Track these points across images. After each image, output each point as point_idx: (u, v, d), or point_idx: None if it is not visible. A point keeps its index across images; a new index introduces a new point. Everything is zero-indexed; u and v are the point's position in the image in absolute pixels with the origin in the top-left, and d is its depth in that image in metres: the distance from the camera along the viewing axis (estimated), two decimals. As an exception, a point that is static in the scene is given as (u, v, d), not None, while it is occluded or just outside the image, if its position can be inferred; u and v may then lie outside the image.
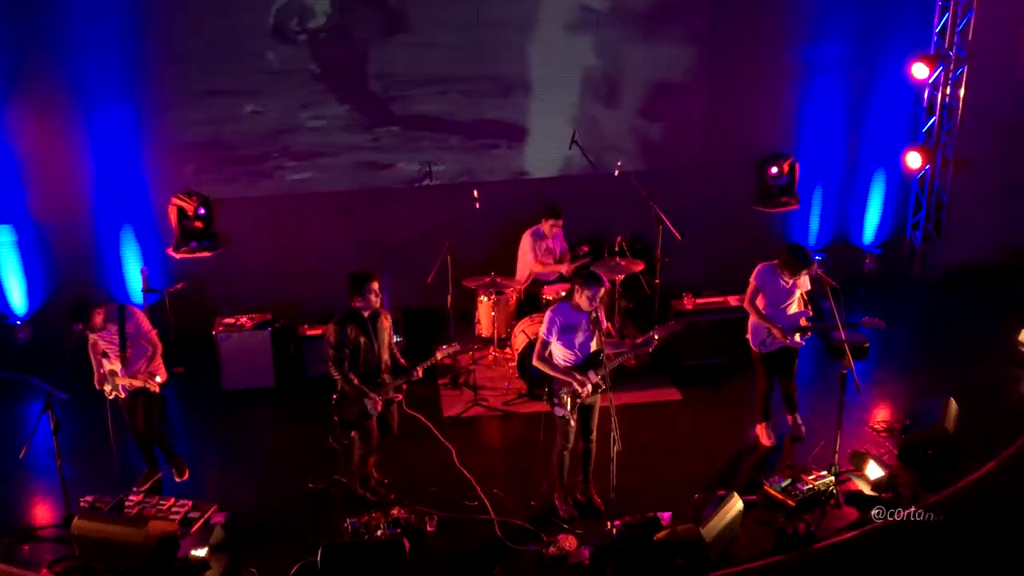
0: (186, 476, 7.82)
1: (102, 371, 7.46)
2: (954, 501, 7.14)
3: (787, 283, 7.67)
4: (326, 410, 7.20)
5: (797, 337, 7.73)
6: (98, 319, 7.21)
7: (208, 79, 9.80)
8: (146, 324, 7.47)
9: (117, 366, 7.37)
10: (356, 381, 7.03)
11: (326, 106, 10.13)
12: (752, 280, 7.83)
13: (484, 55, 10.19)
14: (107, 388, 7.48)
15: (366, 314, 7.07)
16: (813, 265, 7.63)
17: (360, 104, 10.20)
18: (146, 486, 7.67)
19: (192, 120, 9.91)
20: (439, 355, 7.41)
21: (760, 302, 7.77)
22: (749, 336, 7.94)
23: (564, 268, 9.79)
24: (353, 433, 7.27)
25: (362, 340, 7.04)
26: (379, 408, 7.13)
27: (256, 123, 10.06)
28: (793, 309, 7.76)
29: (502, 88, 10.37)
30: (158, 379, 7.40)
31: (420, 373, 7.30)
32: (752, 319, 7.85)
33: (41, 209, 9.82)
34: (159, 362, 7.50)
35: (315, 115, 10.14)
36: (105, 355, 7.44)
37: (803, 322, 7.73)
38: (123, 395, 7.44)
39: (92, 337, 7.40)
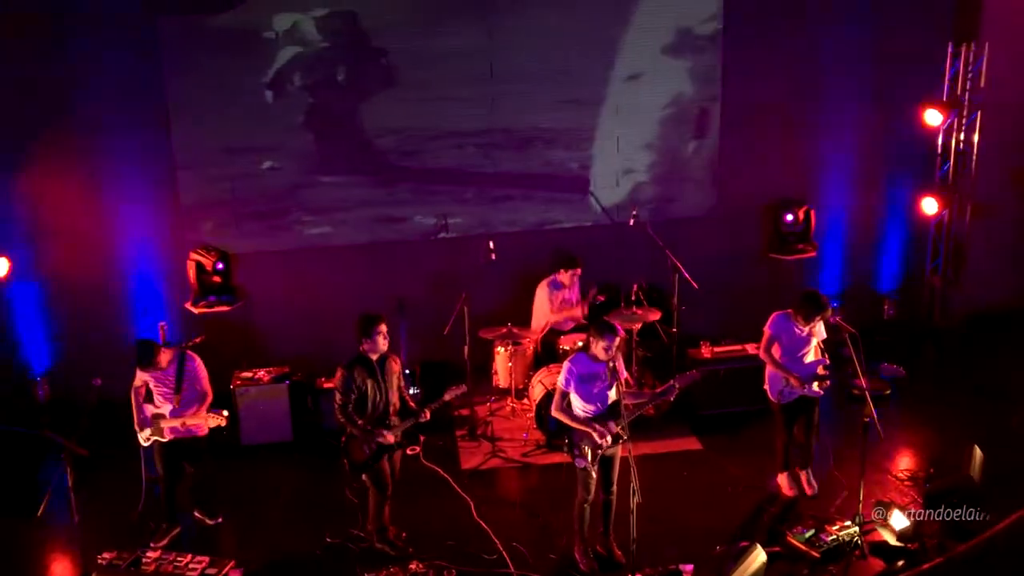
0: (219, 520, 7.88)
1: (143, 415, 7.52)
2: (981, 550, 7.01)
3: (802, 331, 7.63)
4: (345, 464, 7.17)
5: (815, 386, 7.65)
6: (164, 359, 7.39)
7: (224, 136, 9.94)
8: (203, 371, 7.63)
9: (166, 409, 7.45)
10: (360, 423, 7.05)
11: (340, 161, 10.24)
12: (767, 329, 7.79)
13: (498, 108, 10.30)
14: (146, 433, 7.52)
15: (374, 357, 7.10)
16: (827, 311, 7.57)
17: (374, 159, 10.30)
18: (164, 542, 7.62)
19: (210, 176, 10.03)
20: (447, 396, 7.38)
21: (776, 351, 7.73)
22: (767, 387, 7.88)
23: (578, 312, 9.79)
24: (365, 477, 7.25)
25: (369, 383, 7.07)
26: (389, 440, 7.13)
27: (273, 179, 10.18)
28: (810, 358, 7.70)
29: (517, 141, 10.46)
30: (218, 422, 7.49)
31: (428, 415, 7.30)
32: (769, 369, 7.80)
33: (59, 265, 9.90)
34: (206, 408, 7.58)
35: (331, 171, 10.25)
36: (148, 399, 7.52)
37: (820, 370, 7.66)
38: (167, 437, 7.48)
39: (140, 379, 7.51)
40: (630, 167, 10.72)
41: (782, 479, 8.03)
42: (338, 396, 7.10)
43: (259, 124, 9.98)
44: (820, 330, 7.72)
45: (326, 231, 10.41)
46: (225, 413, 7.54)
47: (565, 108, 10.40)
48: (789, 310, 7.69)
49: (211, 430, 7.66)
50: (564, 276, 9.74)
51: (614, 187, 10.72)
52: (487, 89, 10.20)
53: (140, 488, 7.79)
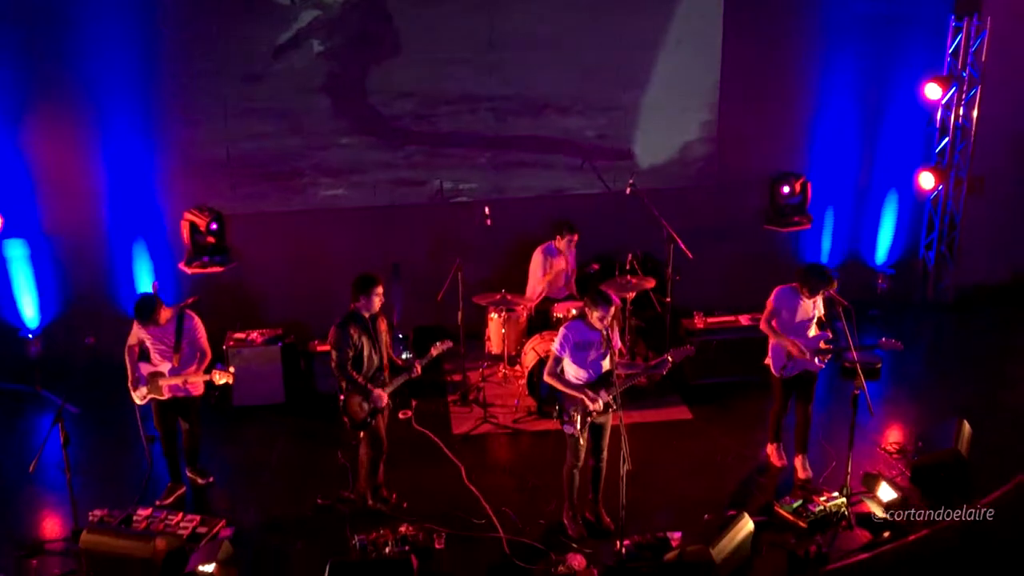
0: (211, 480, 7.91)
1: (137, 373, 7.50)
2: (965, 524, 7.07)
3: (807, 305, 7.56)
4: (335, 426, 7.19)
5: (816, 360, 7.63)
6: (164, 316, 7.38)
7: (237, 96, 9.89)
8: (202, 330, 7.62)
9: (165, 367, 7.45)
10: (361, 380, 7.09)
11: (355, 123, 10.18)
12: (770, 302, 7.69)
13: (511, 73, 10.24)
14: (141, 391, 7.51)
15: (366, 315, 7.12)
16: (833, 283, 7.48)
17: (390, 122, 10.24)
18: (169, 500, 7.68)
19: (221, 135, 9.99)
20: (434, 351, 7.42)
21: (775, 325, 7.66)
22: (769, 361, 7.79)
23: (571, 283, 9.81)
24: (362, 435, 7.30)
25: (365, 340, 7.11)
26: (384, 402, 7.19)
27: (287, 141, 10.13)
28: (812, 332, 7.66)
29: (531, 106, 10.41)
30: (225, 379, 7.47)
31: (419, 369, 7.34)
32: (771, 341, 7.72)
33: (55, 223, 9.87)
34: (204, 367, 7.58)
35: (346, 132, 10.20)
36: (144, 357, 7.50)
37: (823, 344, 7.61)
38: (165, 396, 7.48)
39: (136, 337, 7.50)
40: (648, 135, 10.71)
41: (771, 449, 8.07)
42: (335, 354, 7.11)
43: (269, 85, 9.92)
44: (819, 305, 7.67)
45: (341, 193, 10.38)
46: (232, 370, 7.58)
47: (581, 76, 10.36)
48: (794, 284, 7.60)
49: (206, 390, 7.67)
50: (561, 242, 9.73)
51: (635, 155, 10.72)
52: (501, 55, 10.14)
53: (132, 446, 7.80)
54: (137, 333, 7.53)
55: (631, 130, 10.66)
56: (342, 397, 7.20)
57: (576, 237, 9.70)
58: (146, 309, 7.34)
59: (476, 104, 10.31)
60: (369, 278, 7.16)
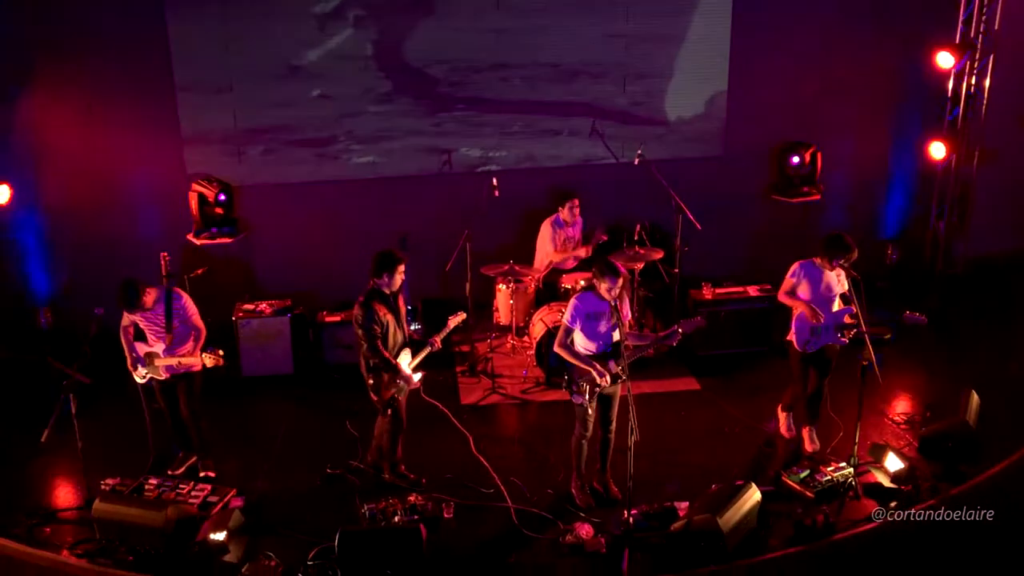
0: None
1: (135, 354, 7.47)
2: (975, 494, 7.09)
3: (830, 278, 7.40)
4: (345, 397, 7.21)
5: (839, 335, 7.55)
6: (149, 298, 7.23)
7: (269, 62, 9.87)
8: (192, 307, 7.48)
9: (159, 348, 7.38)
10: (392, 359, 7.09)
11: (388, 91, 10.15)
12: (789, 275, 7.56)
13: (543, 42, 10.18)
14: (141, 372, 7.49)
15: (387, 291, 7.10)
16: (854, 251, 7.26)
17: (421, 89, 10.21)
18: (181, 470, 7.72)
19: (257, 102, 9.98)
20: (451, 323, 7.45)
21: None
22: (792, 337, 7.63)
23: (582, 252, 9.79)
24: (389, 412, 7.30)
25: (389, 318, 7.08)
26: (415, 382, 7.22)
27: (322, 107, 10.10)
28: (834, 308, 7.59)
29: (563, 74, 10.34)
30: (214, 362, 7.37)
31: (439, 343, 7.32)
32: (794, 315, 7.56)
33: (62, 193, 9.86)
34: (201, 344, 7.49)
35: (378, 99, 10.17)
36: (140, 337, 7.46)
37: (847, 319, 7.47)
38: (164, 376, 7.46)
39: (128, 319, 7.42)
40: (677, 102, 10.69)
41: (783, 418, 8.03)
42: (362, 332, 6.98)
43: (306, 50, 9.90)
44: (843, 280, 7.45)
45: (372, 160, 10.36)
46: (221, 352, 7.40)
47: (612, 42, 10.31)
48: (815, 258, 7.45)
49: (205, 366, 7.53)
50: (565, 212, 9.71)
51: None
52: (534, 21, 10.09)
53: (141, 417, 7.84)
54: (127, 316, 7.42)
55: (661, 99, 10.61)
56: (371, 379, 7.13)
57: (577, 201, 9.67)
58: (130, 295, 7.13)
59: (508, 72, 10.25)
60: (393, 256, 7.07)
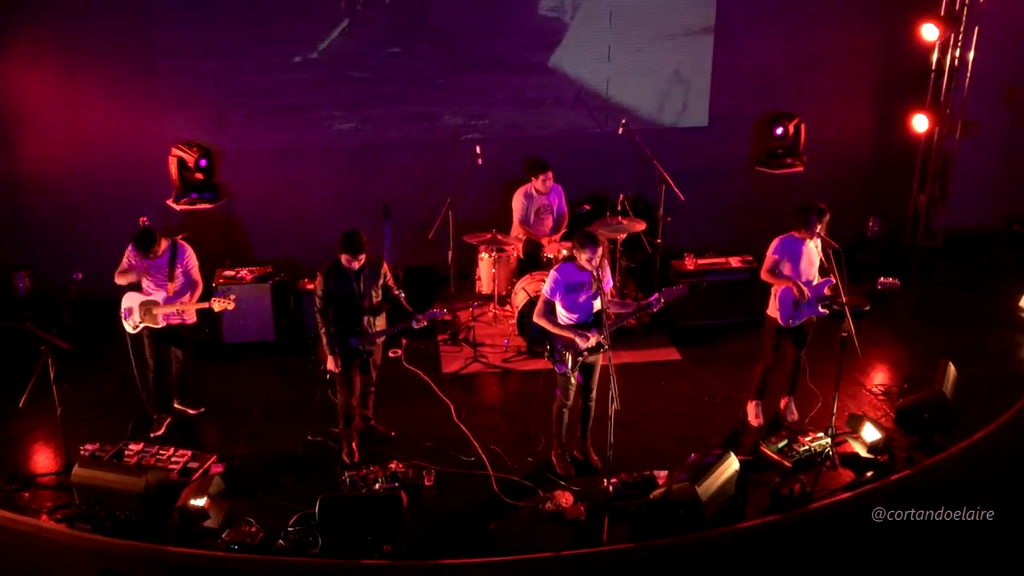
0: (202, 410, 8.06)
1: (129, 304, 7.60)
2: (950, 464, 7.18)
3: (811, 251, 7.38)
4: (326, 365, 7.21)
5: (819, 307, 7.57)
6: (161, 247, 7.48)
7: (251, 27, 9.76)
8: (195, 260, 7.71)
9: (159, 296, 7.53)
10: (324, 336, 7.15)
11: (372, 57, 10.06)
12: (770, 252, 7.49)
13: (529, 10, 10.12)
14: (133, 320, 7.59)
15: (356, 266, 7.06)
16: (826, 214, 7.28)
17: (405, 56, 10.10)
18: (161, 431, 7.76)
19: (239, 67, 9.87)
20: (437, 313, 7.41)
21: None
22: (776, 311, 7.55)
23: (545, 244, 9.64)
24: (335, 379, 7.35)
25: (344, 291, 7.08)
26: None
27: (304, 72, 10.00)
28: (816, 280, 7.60)
29: (547, 42, 10.28)
30: (224, 306, 7.63)
31: (425, 321, 7.25)
32: (776, 290, 7.51)
33: (39, 157, 9.75)
34: (196, 298, 7.69)
35: (361, 66, 10.07)
36: (137, 287, 7.59)
37: (827, 291, 7.46)
38: (160, 324, 7.56)
39: (127, 263, 7.55)
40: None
41: (751, 407, 7.98)
42: (316, 300, 7.17)
43: (289, 16, 9.80)
44: (820, 251, 7.41)
45: (354, 127, 10.28)
46: (233, 296, 7.67)
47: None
48: (793, 232, 7.42)
49: (199, 319, 7.84)
50: (538, 183, 9.64)
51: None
52: None
53: (123, 381, 7.82)
54: (129, 260, 7.56)
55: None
56: (310, 339, 7.25)
57: (551, 175, 9.61)
58: (147, 241, 7.41)
59: (492, 39, 10.18)
60: (354, 242, 6.99)
